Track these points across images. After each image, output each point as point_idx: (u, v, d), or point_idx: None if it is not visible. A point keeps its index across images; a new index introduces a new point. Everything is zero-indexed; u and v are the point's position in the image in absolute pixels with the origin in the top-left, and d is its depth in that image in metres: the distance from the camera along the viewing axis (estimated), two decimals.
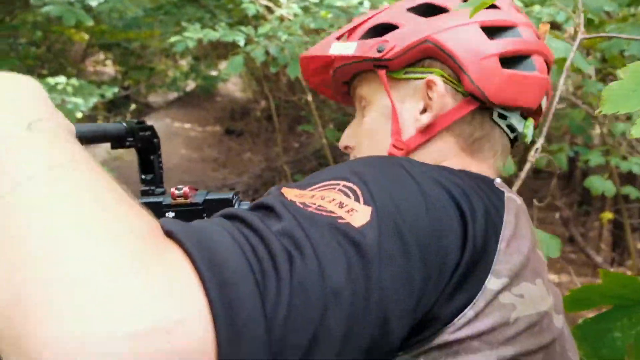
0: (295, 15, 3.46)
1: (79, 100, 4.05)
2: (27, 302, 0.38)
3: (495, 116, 0.81)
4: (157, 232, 0.46)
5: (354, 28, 0.88)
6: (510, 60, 0.79)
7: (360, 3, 3.15)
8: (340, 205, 0.54)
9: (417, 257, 0.54)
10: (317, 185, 0.59)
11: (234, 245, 0.46)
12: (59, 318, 0.38)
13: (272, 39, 3.25)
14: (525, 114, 0.84)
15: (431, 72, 0.80)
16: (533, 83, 0.81)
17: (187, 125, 14.10)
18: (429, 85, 0.79)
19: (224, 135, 13.46)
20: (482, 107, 0.80)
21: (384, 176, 0.60)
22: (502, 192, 0.70)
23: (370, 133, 0.86)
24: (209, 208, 0.88)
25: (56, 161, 0.47)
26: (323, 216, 0.52)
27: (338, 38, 0.88)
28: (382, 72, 0.82)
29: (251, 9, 3.56)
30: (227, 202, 0.88)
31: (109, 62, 14.58)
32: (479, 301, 0.59)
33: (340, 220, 0.52)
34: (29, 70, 5.93)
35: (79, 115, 4.17)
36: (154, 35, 11.90)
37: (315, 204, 0.54)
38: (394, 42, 0.80)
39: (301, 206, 0.53)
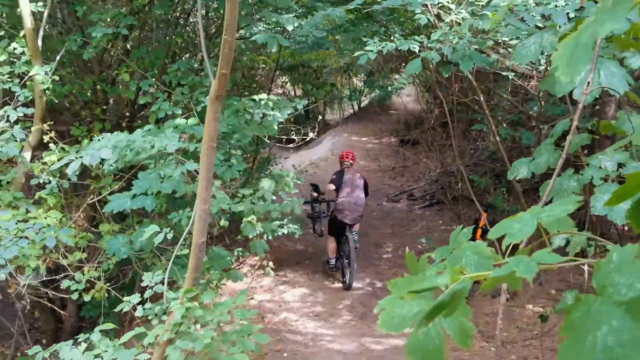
0: (464, 19, 3.79)
1: (277, 113, 4.74)
2: None
3: None
4: None
5: None
6: None
7: (524, 4, 3.40)
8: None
9: None
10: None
11: None
12: None
13: (444, 42, 3.63)
14: None
15: None
16: None
17: (364, 139, 14.80)
18: None
19: (400, 145, 13.95)
20: None
21: None
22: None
23: None
24: None
25: None
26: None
27: None
28: None
29: (423, 19, 3.97)
30: None
31: (289, 84, 15.82)
32: None
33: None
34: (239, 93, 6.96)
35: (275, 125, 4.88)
36: (330, 55, 12.77)
37: None
38: None
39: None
